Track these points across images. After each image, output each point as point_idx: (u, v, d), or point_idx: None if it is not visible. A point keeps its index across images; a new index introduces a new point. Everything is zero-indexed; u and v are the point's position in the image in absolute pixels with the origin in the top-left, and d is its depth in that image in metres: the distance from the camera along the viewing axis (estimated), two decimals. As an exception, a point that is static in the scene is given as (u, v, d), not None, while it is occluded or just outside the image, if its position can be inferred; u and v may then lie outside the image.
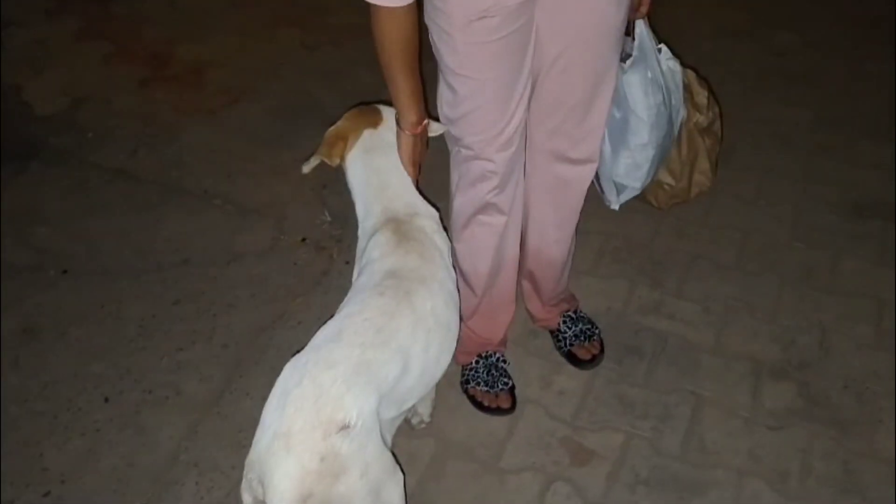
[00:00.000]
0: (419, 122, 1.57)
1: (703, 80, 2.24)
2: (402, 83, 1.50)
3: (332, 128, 1.65)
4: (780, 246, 2.34)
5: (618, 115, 1.90)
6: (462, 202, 1.74)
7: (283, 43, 3.32)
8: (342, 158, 1.62)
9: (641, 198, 2.26)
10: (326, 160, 1.62)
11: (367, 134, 1.62)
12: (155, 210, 2.53)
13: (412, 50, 1.48)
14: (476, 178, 1.68)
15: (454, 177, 1.73)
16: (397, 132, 1.59)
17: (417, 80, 1.52)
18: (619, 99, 1.86)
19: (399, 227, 1.54)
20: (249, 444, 1.25)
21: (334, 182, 2.60)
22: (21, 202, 2.56)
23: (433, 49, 1.57)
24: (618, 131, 1.95)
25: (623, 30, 1.66)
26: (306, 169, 1.61)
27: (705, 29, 3.30)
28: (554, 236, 1.90)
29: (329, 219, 2.48)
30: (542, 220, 1.88)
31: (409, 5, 1.41)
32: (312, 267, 2.33)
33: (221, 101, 3.00)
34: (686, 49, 2.43)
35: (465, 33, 1.50)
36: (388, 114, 1.64)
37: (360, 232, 1.61)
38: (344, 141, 1.62)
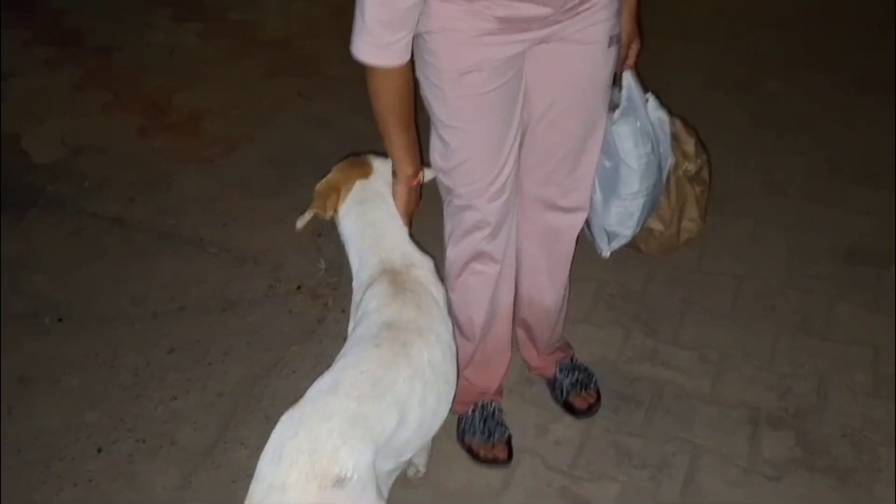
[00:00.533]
0: (415, 175, 1.59)
1: (691, 128, 2.27)
2: (397, 137, 1.53)
3: (324, 180, 1.66)
4: (775, 293, 2.35)
5: (608, 164, 1.93)
6: (456, 251, 1.75)
7: (279, 92, 3.36)
8: (336, 211, 1.63)
9: (632, 245, 2.27)
10: (320, 213, 1.63)
11: (360, 185, 1.63)
12: (151, 258, 2.54)
13: (406, 105, 1.50)
14: (469, 227, 1.70)
15: (448, 226, 1.75)
16: (393, 183, 1.61)
17: (412, 133, 1.55)
18: (609, 149, 1.89)
19: (395, 278, 1.54)
20: (244, 496, 1.23)
21: (329, 230, 2.61)
22: (18, 250, 2.56)
23: (424, 102, 1.59)
24: (609, 181, 1.97)
25: (611, 81, 1.69)
26: (300, 224, 1.61)
27: (696, 78, 3.35)
28: (547, 284, 1.91)
29: (324, 266, 2.49)
30: (535, 268, 1.89)
31: (403, 64, 1.44)
32: (308, 315, 2.33)
33: (218, 150, 3.03)
34: (677, 98, 2.48)
35: (454, 87, 1.53)
36: (378, 164, 1.65)
37: (354, 284, 1.62)
38: (336, 193, 1.63)
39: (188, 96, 3.33)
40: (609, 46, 1.59)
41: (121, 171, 2.91)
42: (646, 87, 1.95)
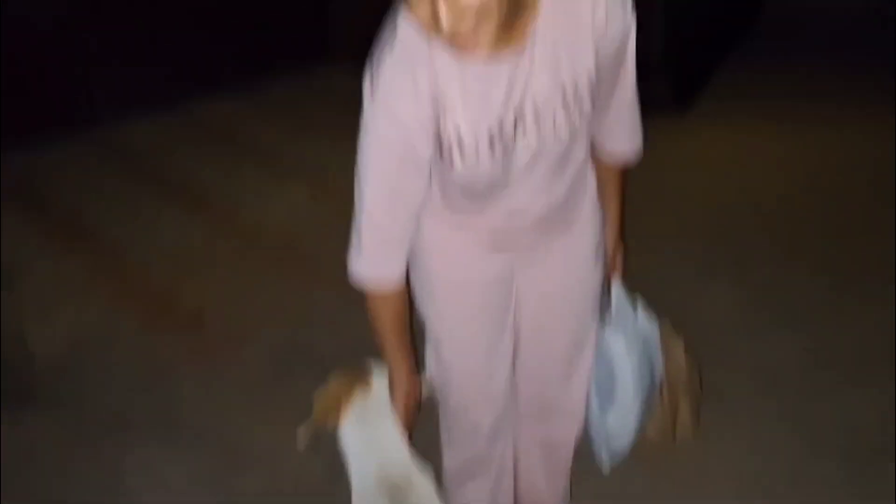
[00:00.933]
0: (411, 387, 1.60)
1: (678, 336, 2.29)
2: (393, 348, 1.56)
3: (324, 390, 1.66)
4: (778, 496, 2.31)
5: (601, 374, 1.95)
6: (453, 460, 1.75)
7: (283, 290, 3.45)
8: (336, 424, 1.63)
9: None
10: (321, 427, 1.63)
11: (360, 398, 1.63)
12: (149, 456, 2.50)
13: (402, 322, 1.55)
14: (465, 436, 1.71)
15: (444, 434, 1.76)
16: (390, 393, 1.62)
17: (407, 343, 1.58)
18: (601, 358, 1.93)
19: (397, 493, 1.53)
20: None
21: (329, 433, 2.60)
22: (15, 449, 2.53)
23: (419, 313, 1.65)
24: (604, 389, 1.99)
25: (599, 291, 1.75)
26: (302, 439, 1.61)
27: (688, 267, 3.44)
28: (546, 493, 1.88)
29: (322, 465, 2.45)
30: (533, 478, 1.88)
31: (399, 285, 1.50)
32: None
33: (219, 346, 3.06)
34: (670, 289, 2.55)
35: (446, 301, 1.61)
36: (378, 373, 1.66)
37: (354, 499, 1.59)
38: (337, 406, 1.63)
39: (193, 293, 3.41)
40: (596, 259, 1.67)
41: (123, 367, 2.93)
42: (637, 288, 2.01)
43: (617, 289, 1.92)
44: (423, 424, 1.72)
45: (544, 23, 1.28)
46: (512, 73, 1.30)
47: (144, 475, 2.44)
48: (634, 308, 2.00)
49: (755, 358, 2.90)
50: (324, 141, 4.88)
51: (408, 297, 1.56)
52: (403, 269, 1.49)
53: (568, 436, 1.83)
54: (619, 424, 2.03)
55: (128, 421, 2.66)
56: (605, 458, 2.11)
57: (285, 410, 2.69)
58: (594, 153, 1.61)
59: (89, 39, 4.81)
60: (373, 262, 1.46)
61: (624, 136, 1.57)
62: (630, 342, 1.94)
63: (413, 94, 1.29)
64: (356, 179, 1.41)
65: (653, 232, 2.63)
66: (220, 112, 5.40)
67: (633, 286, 1.94)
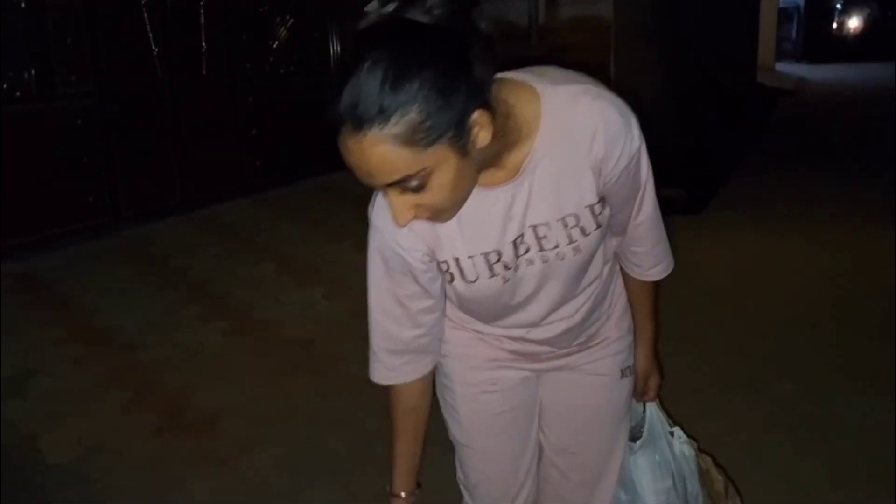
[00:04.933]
0: (404, 489, 1.53)
1: (721, 468, 2.15)
2: (398, 450, 1.52)
3: None
4: None
5: (624, 497, 1.88)
6: None
7: (297, 391, 3.42)
8: None
9: None
10: None
11: None
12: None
13: (413, 421, 1.51)
14: None
15: None
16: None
17: (415, 451, 1.53)
18: (626, 482, 1.86)
19: None
20: None
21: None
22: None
23: (445, 420, 1.62)
24: None
25: (627, 410, 1.70)
26: None
27: (707, 381, 3.39)
28: None
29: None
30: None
31: (412, 382, 1.47)
32: None
33: (232, 451, 3.01)
34: (691, 403, 2.50)
35: (468, 408, 1.57)
36: None
37: None
38: None
39: (207, 395, 3.38)
40: (622, 378, 1.63)
41: (133, 473, 2.88)
42: (673, 419, 1.95)
43: (651, 413, 1.85)
44: None
45: (540, 156, 1.25)
46: (509, 205, 1.29)
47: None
48: (670, 435, 1.92)
49: (781, 471, 2.79)
50: (339, 243, 4.95)
51: (426, 398, 1.52)
52: (417, 368, 1.47)
53: None
54: None
55: (136, 530, 2.60)
56: None
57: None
58: (625, 271, 1.59)
59: (117, 143, 4.95)
60: (384, 362, 1.45)
61: (649, 258, 1.53)
62: (657, 470, 1.85)
63: (407, 231, 1.30)
64: (368, 292, 1.42)
65: (669, 346, 2.60)
66: (238, 215, 5.50)
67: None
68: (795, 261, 4.67)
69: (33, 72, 4.52)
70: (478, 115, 1.10)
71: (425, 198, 1.13)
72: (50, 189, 4.62)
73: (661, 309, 1.73)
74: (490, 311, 1.47)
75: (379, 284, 1.39)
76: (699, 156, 5.06)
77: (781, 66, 20.42)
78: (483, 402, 1.56)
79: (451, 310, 1.52)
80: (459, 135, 1.09)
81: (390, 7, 1.06)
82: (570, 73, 1.29)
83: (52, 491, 2.77)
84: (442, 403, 1.61)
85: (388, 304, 1.40)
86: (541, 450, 1.67)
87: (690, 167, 4.92)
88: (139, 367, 3.61)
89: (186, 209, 5.36)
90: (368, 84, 1.03)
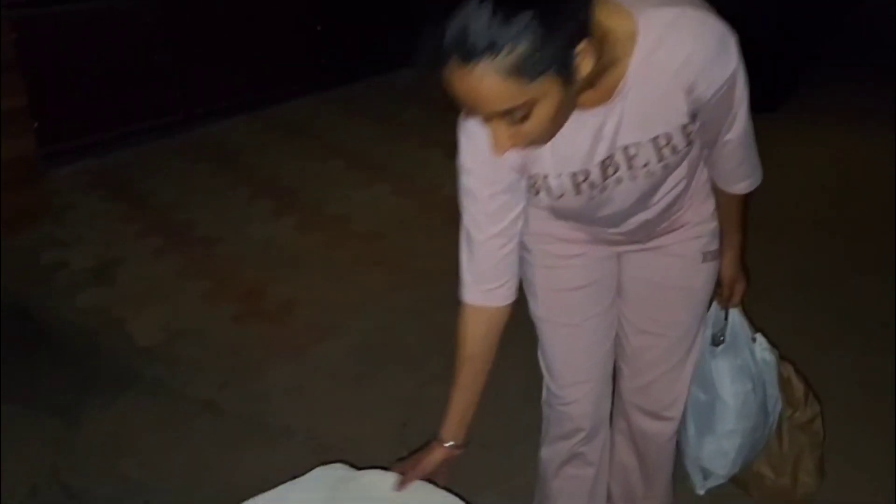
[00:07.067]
0: (449, 438, 1.50)
1: (802, 375, 2.13)
2: (455, 399, 1.49)
3: None
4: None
5: (703, 398, 1.87)
6: (550, 452, 1.73)
7: (369, 283, 3.49)
8: None
9: (743, 488, 2.15)
10: None
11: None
12: (237, 444, 2.56)
13: (478, 371, 1.47)
14: (563, 426, 1.69)
15: (543, 424, 1.74)
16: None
17: (471, 404, 1.49)
18: (706, 383, 1.86)
19: None
20: None
21: (415, 420, 2.62)
22: (110, 432, 2.63)
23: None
24: (704, 416, 1.91)
25: (708, 301, 1.69)
26: None
27: (780, 276, 3.33)
28: (641, 493, 1.84)
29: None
30: (628, 476, 1.83)
31: (503, 306, 1.44)
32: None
33: (308, 339, 3.11)
34: (763, 299, 2.43)
35: (546, 280, 1.58)
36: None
37: None
38: None
39: (282, 286, 3.48)
40: (703, 261, 1.61)
41: (215, 357, 3.01)
42: (756, 327, 1.93)
43: (734, 318, 1.84)
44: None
45: (634, 79, 1.23)
46: (600, 126, 1.29)
47: (230, 460, 2.49)
48: (753, 339, 1.91)
49: (853, 368, 2.76)
50: (406, 139, 4.93)
51: (489, 359, 1.49)
52: (511, 292, 1.45)
53: (661, 434, 1.78)
54: (715, 455, 1.94)
55: (218, 408, 2.73)
56: (697, 483, 2.05)
57: (372, 403, 2.74)
58: (713, 182, 1.56)
59: (186, 42, 4.97)
60: (480, 284, 1.43)
61: (735, 174, 1.50)
62: (736, 374, 1.85)
63: None
64: (459, 202, 1.41)
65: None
66: (305, 112, 5.50)
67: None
68: (878, 159, 4.48)
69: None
70: (583, 45, 1.09)
71: (526, 127, 1.13)
72: (122, 87, 4.69)
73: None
74: (574, 219, 1.48)
75: (472, 202, 1.37)
76: (775, 48, 4.82)
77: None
78: (561, 276, 1.57)
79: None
80: (565, 66, 1.08)
81: None
82: None
83: (140, 372, 2.93)
84: (521, 279, 1.61)
85: (480, 221, 1.38)
86: (620, 329, 1.68)
87: (765, 60, 4.69)
88: (216, 258, 3.73)
89: (254, 107, 5.39)
90: (478, 18, 1.02)
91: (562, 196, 1.37)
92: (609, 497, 1.88)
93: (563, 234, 1.55)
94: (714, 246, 1.63)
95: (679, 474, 1.98)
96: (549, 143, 1.26)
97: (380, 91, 5.79)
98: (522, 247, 1.54)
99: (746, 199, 1.60)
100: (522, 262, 1.57)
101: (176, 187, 4.40)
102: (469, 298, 1.44)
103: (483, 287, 1.42)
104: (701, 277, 1.63)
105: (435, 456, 1.49)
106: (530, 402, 1.73)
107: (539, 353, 1.70)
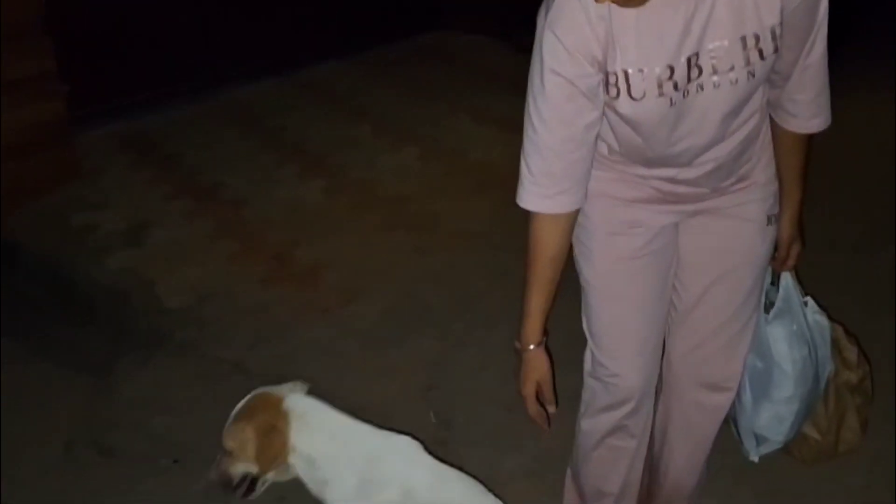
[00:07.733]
0: (535, 341, 1.54)
1: (853, 336, 2.13)
2: (534, 304, 1.51)
3: (239, 431, 1.55)
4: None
5: (760, 365, 1.85)
6: (592, 423, 1.71)
7: (395, 247, 3.49)
8: (286, 451, 1.52)
9: (784, 449, 2.14)
10: (268, 469, 1.55)
11: (296, 412, 1.56)
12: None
13: (553, 265, 1.49)
14: (610, 398, 1.66)
15: (586, 394, 1.72)
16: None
17: (548, 305, 1.52)
18: (762, 350, 1.82)
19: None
20: None
21: (441, 383, 2.63)
22: (142, 391, 2.67)
23: (575, 264, 1.61)
24: (760, 382, 1.89)
25: (766, 267, 1.66)
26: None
27: (815, 241, 3.27)
28: (683, 463, 1.83)
29: (435, 421, 2.48)
30: (672, 452, 1.82)
31: (567, 212, 1.46)
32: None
33: (335, 301, 3.13)
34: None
35: (603, 248, 1.56)
36: (281, 390, 1.61)
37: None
38: (278, 435, 1.52)
39: (309, 249, 3.49)
40: (767, 225, 1.58)
41: (244, 318, 3.04)
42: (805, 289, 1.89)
43: (787, 282, 1.81)
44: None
45: None
46: (688, 21, 1.27)
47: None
48: (804, 303, 1.88)
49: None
50: (432, 103, 4.89)
51: (563, 258, 1.51)
52: (572, 200, 1.45)
53: (718, 407, 1.76)
54: (771, 422, 1.93)
55: (246, 369, 2.77)
56: (752, 450, 2.03)
57: (399, 365, 2.75)
58: (777, 125, 1.52)
59: (214, 5, 4.95)
60: (541, 195, 1.43)
61: (811, 107, 1.47)
62: (793, 340, 1.82)
63: (585, 30, 1.28)
64: (526, 107, 1.39)
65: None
66: (332, 76, 5.47)
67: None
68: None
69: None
70: None
71: None
72: (151, 51, 4.69)
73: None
74: (648, 147, 1.43)
75: (546, 102, 1.36)
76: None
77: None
78: (619, 244, 1.54)
79: (599, 152, 1.49)
80: None
81: None
82: None
83: (170, 332, 2.97)
84: (576, 244, 1.58)
85: (554, 124, 1.37)
86: (676, 299, 1.66)
87: None
88: (244, 221, 3.75)
89: (282, 71, 5.37)
90: None
91: (643, 97, 1.33)
92: (645, 468, 1.87)
93: (624, 194, 1.52)
94: (777, 209, 1.61)
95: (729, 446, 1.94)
96: (635, 33, 1.26)
97: (407, 54, 5.73)
98: (581, 212, 1.51)
99: (809, 148, 1.57)
100: (579, 228, 1.54)
101: (204, 150, 4.41)
102: (537, 205, 1.44)
103: (553, 189, 1.41)
104: (766, 243, 1.61)
105: (539, 360, 1.54)
106: (559, 366, 1.72)
107: (584, 321, 1.66)
